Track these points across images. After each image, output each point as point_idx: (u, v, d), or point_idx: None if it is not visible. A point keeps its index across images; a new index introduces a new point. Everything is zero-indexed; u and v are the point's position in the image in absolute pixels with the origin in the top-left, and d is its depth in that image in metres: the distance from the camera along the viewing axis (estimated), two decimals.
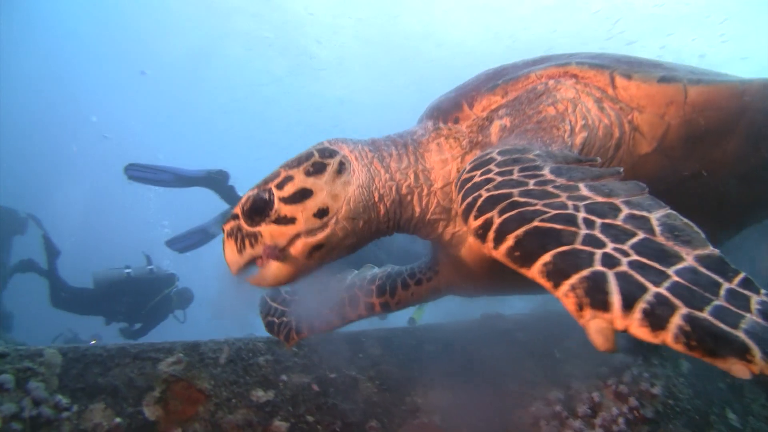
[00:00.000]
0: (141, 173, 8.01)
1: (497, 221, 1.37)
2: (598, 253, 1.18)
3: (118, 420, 2.92)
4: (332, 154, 2.16)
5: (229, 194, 8.10)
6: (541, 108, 2.13)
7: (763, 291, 1.10)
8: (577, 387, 2.97)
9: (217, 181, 8.08)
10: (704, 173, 2.26)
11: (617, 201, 1.37)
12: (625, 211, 1.33)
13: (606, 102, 2.11)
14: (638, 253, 1.17)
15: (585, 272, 1.13)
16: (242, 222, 2.04)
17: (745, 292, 1.09)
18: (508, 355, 3.05)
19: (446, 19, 25.52)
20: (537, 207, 1.36)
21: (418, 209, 2.28)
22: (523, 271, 1.25)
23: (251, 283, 2.08)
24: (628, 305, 1.04)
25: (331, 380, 3.00)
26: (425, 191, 2.28)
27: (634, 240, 1.22)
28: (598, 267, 1.13)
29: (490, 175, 1.59)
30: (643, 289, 1.06)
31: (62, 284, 9.44)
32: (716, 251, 1.18)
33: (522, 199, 1.41)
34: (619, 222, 1.29)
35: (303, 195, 2.02)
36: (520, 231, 1.30)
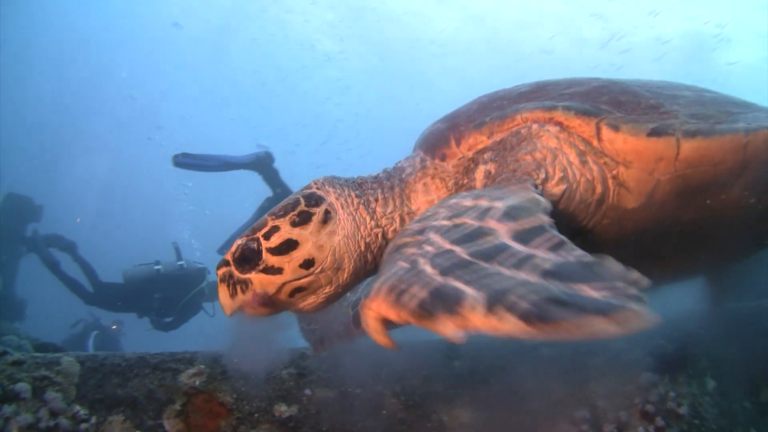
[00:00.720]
0: (189, 161, 7.91)
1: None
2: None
3: None
4: (318, 201, 2.16)
5: (272, 177, 8.00)
6: (519, 156, 2.04)
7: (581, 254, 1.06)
8: (604, 406, 2.94)
9: (264, 164, 7.99)
10: (704, 220, 2.19)
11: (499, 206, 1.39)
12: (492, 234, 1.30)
13: (590, 155, 1.99)
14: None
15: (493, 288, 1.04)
16: (233, 269, 2.10)
17: (548, 254, 1.06)
18: (533, 371, 3.01)
19: None
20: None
21: None
22: None
23: (230, 316, 2.16)
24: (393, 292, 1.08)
25: (356, 395, 2.96)
26: None
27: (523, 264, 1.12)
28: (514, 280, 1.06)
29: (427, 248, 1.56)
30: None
31: (97, 283, 9.36)
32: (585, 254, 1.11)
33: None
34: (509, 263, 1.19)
35: (289, 246, 2.06)
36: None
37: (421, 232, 1.35)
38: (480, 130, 2.20)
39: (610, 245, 2.16)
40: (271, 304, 2.09)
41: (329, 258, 2.09)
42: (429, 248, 1.23)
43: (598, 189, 1.99)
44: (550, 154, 2.00)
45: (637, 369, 3.06)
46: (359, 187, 2.32)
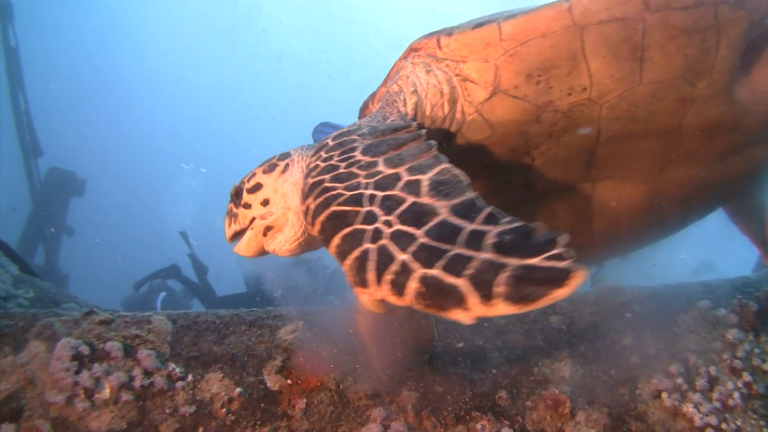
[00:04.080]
0: (328, 130, 7.64)
1: (312, 208, 1.55)
2: (369, 230, 1.32)
3: (239, 390, 2.82)
4: (284, 157, 2.57)
5: None
6: (389, 88, 2.38)
7: (504, 219, 1.21)
8: (695, 361, 3.01)
9: None
10: (581, 105, 2.21)
11: (402, 169, 1.53)
12: (405, 178, 1.48)
13: (434, 64, 2.23)
14: (401, 221, 1.30)
15: (356, 253, 1.28)
16: (231, 204, 2.62)
17: (485, 227, 1.20)
18: (627, 327, 3.06)
19: None
20: (338, 191, 1.53)
21: None
22: (329, 252, 1.42)
23: (234, 250, 2.65)
24: (378, 279, 1.20)
25: (459, 350, 2.96)
26: None
27: (402, 207, 1.35)
28: (365, 245, 1.28)
29: (318, 162, 1.79)
30: (391, 260, 1.20)
31: (214, 299, 9.08)
32: (469, 195, 1.33)
33: (330, 184, 1.58)
34: (396, 191, 1.43)
35: (256, 187, 2.53)
36: (323, 216, 1.47)
37: (357, 200, 1.47)
38: (384, 84, 2.55)
39: (509, 148, 2.33)
40: (255, 243, 2.57)
41: (280, 200, 2.48)
42: (383, 227, 1.33)
43: (445, 89, 2.21)
44: (405, 78, 2.31)
45: (723, 326, 3.15)
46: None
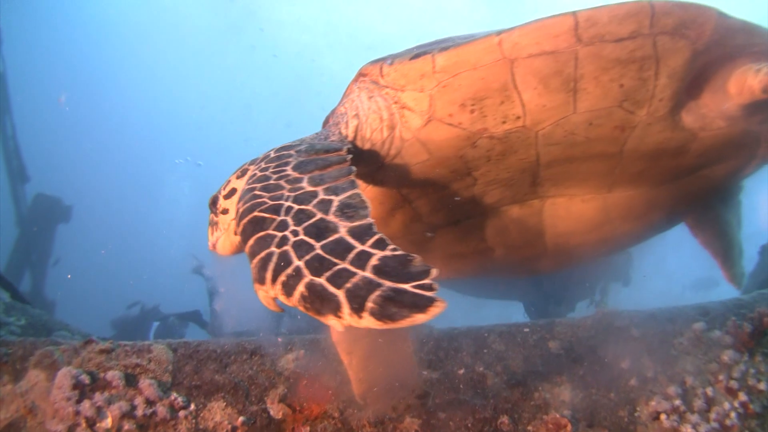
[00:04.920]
0: None
1: (240, 211, 1.70)
2: (279, 236, 1.47)
3: (242, 418, 2.82)
4: (254, 161, 2.52)
5: None
6: (337, 109, 2.49)
7: (390, 246, 1.33)
8: (692, 382, 3.06)
9: None
10: (516, 132, 2.29)
11: (320, 188, 1.68)
12: (320, 196, 1.64)
13: (376, 91, 2.34)
14: (305, 233, 1.45)
15: (262, 254, 1.43)
16: (212, 214, 2.61)
17: (372, 250, 1.33)
18: (625, 350, 3.10)
19: None
20: (264, 199, 1.69)
21: None
22: (245, 252, 1.56)
23: (209, 249, 2.66)
24: (274, 279, 1.33)
25: (460, 376, 2.98)
26: None
27: (310, 221, 1.50)
28: (272, 248, 1.43)
29: (256, 171, 1.97)
30: (289, 265, 1.33)
31: None
32: (368, 221, 1.46)
33: (259, 192, 1.75)
34: (309, 207, 1.58)
35: (232, 192, 2.47)
36: (245, 219, 1.62)
37: (275, 209, 1.62)
38: (340, 102, 2.65)
39: (450, 169, 2.41)
40: (228, 242, 2.56)
41: None
42: (289, 234, 1.48)
43: (384, 115, 2.32)
44: (350, 102, 2.42)
45: (718, 348, 3.20)
46: None
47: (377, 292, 1.19)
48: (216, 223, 2.59)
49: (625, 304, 3.25)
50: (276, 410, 2.87)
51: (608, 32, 2.04)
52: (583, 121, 2.24)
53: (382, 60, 2.32)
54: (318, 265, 1.31)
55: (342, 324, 1.20)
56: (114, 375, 2.90)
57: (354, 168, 1.85)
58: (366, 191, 2.63)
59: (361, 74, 2.41)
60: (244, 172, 2.48)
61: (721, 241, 3.19)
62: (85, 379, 2.85)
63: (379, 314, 1.16)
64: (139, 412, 2.82)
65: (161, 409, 2.84)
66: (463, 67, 2.11)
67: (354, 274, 1.26)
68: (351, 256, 1.33)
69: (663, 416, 2.98)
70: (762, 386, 3.12)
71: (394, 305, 1.16)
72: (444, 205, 2.63)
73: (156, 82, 37.80)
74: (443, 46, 2.17)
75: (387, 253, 1.31)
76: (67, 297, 11.81)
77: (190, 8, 29.88)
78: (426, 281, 1.21)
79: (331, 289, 1.24)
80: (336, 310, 1.20)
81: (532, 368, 3.02)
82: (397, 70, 2.23)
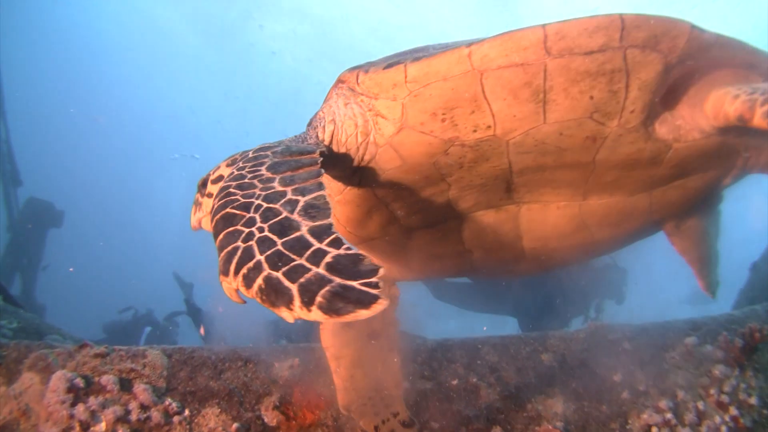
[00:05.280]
0: None
1: (215, 206, 1.78)
2: (246, 231, 1.56)
3: (236, 425, 2.82)
4: (245, 151, 2.56)
5: None
6: (317, 113, 2.55)
7: (344, 245, 1.41)
8: (683, 396, 3.08)
9: None
10: (487, 141, 2.30)
11: (290, 189, 1.77)
12: (288, 196, 1.72)
13: (352, 98, 2.39)
14: (270, 229, 1.54)
15: (229, 248, 1.51)
16: (198, 194, 2.62)
17: (328, 249, 1.41)
18: (617, 364, 3.13)
19: None
20: (237, 196, 1.78)
21: None
22: (216, 245, 1.63)
23: (192, 227, 2.69)
24: (237, 272, 1.42)
25: (453, 387, 3.00)
26: None
27: (275, 219, 1.58)
28: (238, 243, 1.52)
29: (234, 169, 2.05)
30: (251, 259, 1.42)
31: None
32: (328, 221, 1.55)
33: (234, 190, 1.83)
34: (277, 205, 1.66)
35: (219, 179, 2.46)
36: (218, 215, 1.70)
37: (246, 207, 1.72)
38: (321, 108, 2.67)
39: (423, 175, 2.46)
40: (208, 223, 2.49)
41: None
42: (255, 231, 1.57)
43: (359, 122, 2.38)
44: (329, 107, 2.48)
45: (709, 362, 3.23)
46: None
47: (327, 288, 1.26)
48: (200, 204, 2.62)
49: (618, 317, 3.28)
50: (270, 417, 2.87)
51: (577, 45, 2.06)
52: (553, 131, 2.27)
53: (359, 67, 2.36)
54: (277, 260, 1.39)
55: (293, 316, 1.27)
56: (108, 379, 2.90)
57: (323, 171, 1.92)
58: (344, 193, 2.67)
59: (339, 80, 2.45)
60: (234, 162, 2.51)
61: (699, 250, 3.22)
62: (80, 382, 2.85)
63: (327, 308, 1.23)
64: (134, 417, 2.82)
65: (155, 414, 2.83)
66: (433, 78, 2.15)
67: (308, 270, 1.33)
68: (308, 253, 1.40)
69: (654, 429, 3.00)
70: (753, 401, 3.16)
71: (341, 300, 1.22)
72: (420, 209, 2.67)
73: (152, 80, 37.69)
74: (416, 56, 2.21)
75: (341, 251, 1.39)
76: (57, 301, 11.76)
77: (187, 7, 29.91)
78: (373, 279, 1.27)
79: (286, 282, 1.31)
80: (288, 302, 1.27)
81: (525, 380, 3.04)
82: (372, 79, 2.26)
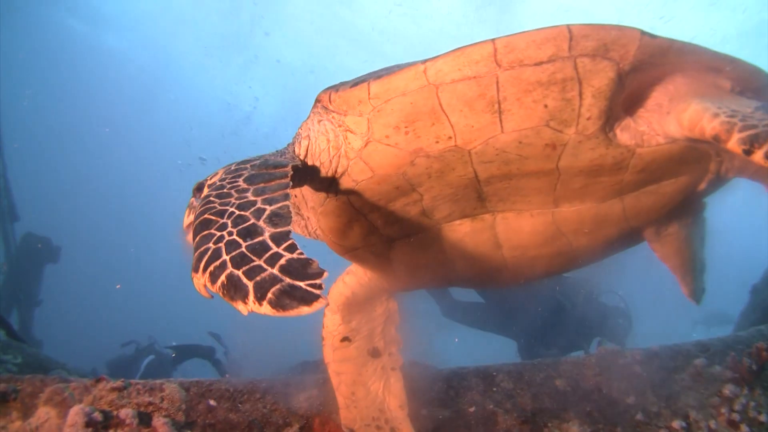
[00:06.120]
0: None
1: (196, 212, 1.96)
2: (217, 235, 1.75)
3: None
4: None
5: None
6: (298, 130, 2.71)
7: (298, 251, 1.60)
8: (695, 416, 3.13)
9: None
10: (450, 151, 2.39)
11: (260, 198, 1.94)
12: (257, 205, 1.89)
13: (324, 115, 2.55)
14: (237, 233, 1.73)
15: (201, 248, 1.71)
16: (193, 198, 2.66)
17: (284, 252, 1.59)
18: (629, 387, 3.18)
19: None
20: (215, 204, 1.96)
21: None
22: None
23: (184, 228, 2.67)
24: (205, 269, 1.61)
25: (471, 414, 3.03)
26: None
27: (244, 225, 1.77)
28: (209, 245, 1.71)
29: (216, 179, 2.23)
30: (218, 258, 1.61)
31: None
32: (287, 228, 1.73)
33: (213, 198, 2.01)
34: (247, 213, 1.84)
35: (214, 184, 2.54)
36: (197, 220, 1.89)
37: (221, 213, 1.90)
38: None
39: (394, 186, 2.57)
40: None
41: None
42: (225, 234, 1.76)
43: (330, 137, 2.55)
44: (305, 124, 2.65)
45: (719, 382, 3.28)
46: None
47: (278, 286, 1.43)
48: (195, 207, 2.65)
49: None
50: None
51: (527, 57, 2.15)
52: (512, 140, 2.35)
53: (332, 87, 2.49)
54: (240, 261, 1.58)
55: (246, 309, 1.44)
56: (127, 413, 2.90)
57: (290, 183, 2.09)
58: (326, 204, 2.76)
59: (317, 100, 2.58)
60: (225, 170, 2.62)
61: (681, 257, 3.26)
62: (98, 416, 2.85)
63: (275, 304, 1.40)
64: None
65: None
66: (393, 93, 2.27)
67: (265, 270, 1.51)
68: (266, 255, 1.58)
69: None
70: (763, 418, 3.21)
71: (288, 298, 1.40)
72: (396, 218, 2.77)
73: (155, 90, 37.50)
74: (379, 74, 2.34)
75: (294, 256, 1.56)
76: (53, 336, 11.67)
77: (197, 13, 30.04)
78: (317, 281, 1.45)
79: (245, 280, 1.49)
80: (244, 297, 1.45)
81: (541, 405, 3.08)
82: (341, 97, 2.39)
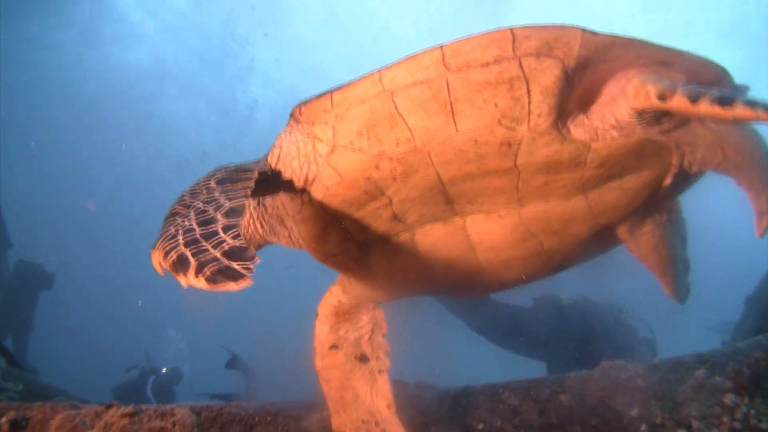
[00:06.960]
0: None
1: (171, 206, 2.19)
2: (180, 223, 1.99)
3: None
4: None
5: None
6: (274, 143, 2.85)
7: (240, 240, 1.82)
8: (698, 426, 3.19)
9: None
10: (410, 153, 2.50)
11: (224, 196, 2.17)
12: (219, 201, 2.12)
13: (295, 126, 2.70)
14: (197, 223, 1.96)
15: (165, 233, 1.94)
16: None
17: (229, 240, 1.82)
18: (632, 399, 3.24)
19: None
20: (185, 199, 2.19)
21: None
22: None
23: None
24: (162, 249, 1.83)
25: (480, 430, 3.08)
26: None
27: (204, 216, 2.01)
28: (171, 229, 1.95)
29: (199, 181, 2.41)
30: (175, 240, 1.85)
31: None
32: (237, 221, 1.96)
33: (186, 195, 2.24)
34: (209, 207, 2.08)
35: None
36: (169, 212, 2.13)
37: (188, 206, 2.13)
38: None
39: (362, 190, 2.67)
40: None
41: None
42: (186, 222, 1.98)
43: (300, 145, 2.70)
44: (279, 136, 2.79)
45: (720, 392, 3.35)
46: None
47: (215, 265, 1.66)
48: None
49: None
50: None
51: (473, 59, 2.28)
52: (467, 139, 2.45)
53: (303, 101, 2.63)
54: (191, 244, 1.81)
55: (186, 282, 1.67)
56: None
57: (252, 185, 2.30)
58: (302, 211, 2.86)
59: (291, 114, 2.71)
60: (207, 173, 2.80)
61: (657, 256, 3.31)
62: None
63: (209, 279, 1.61)
64: None
65: None
66: (353, 101, 2.43)
67: (208, 251, 1.75)
68: (213, 240, 1.81)
69: None
70: (764, 425, 3.27)
71: (221, 275, 1.61)
72: (368, 223, 2.86)
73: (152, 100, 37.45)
74: (341, 85, 2.49)
75: (236, 243, 1.80)
76: (49, 363, 11.64)
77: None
78: (249, 264, 1.66)
79: (191, 259, 1.72)
80: (186, 271, 1.67)
81: (548, 420, 3.13)
82: (308, 108, 2.55)
